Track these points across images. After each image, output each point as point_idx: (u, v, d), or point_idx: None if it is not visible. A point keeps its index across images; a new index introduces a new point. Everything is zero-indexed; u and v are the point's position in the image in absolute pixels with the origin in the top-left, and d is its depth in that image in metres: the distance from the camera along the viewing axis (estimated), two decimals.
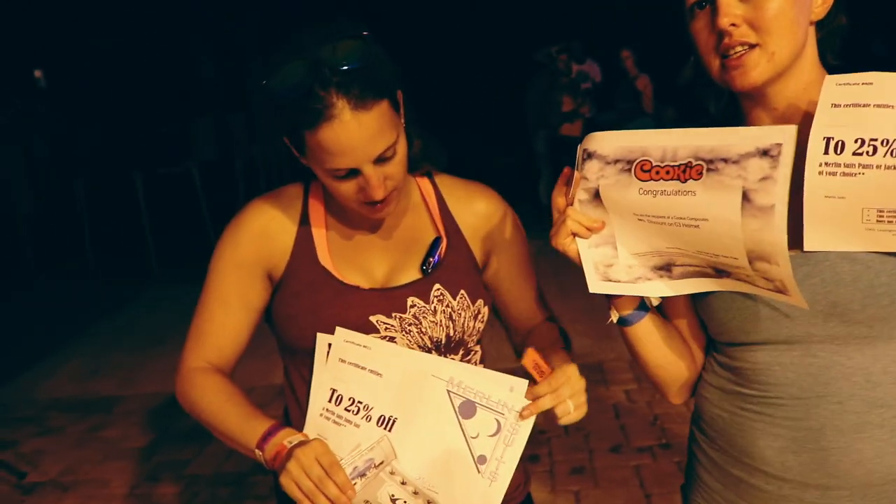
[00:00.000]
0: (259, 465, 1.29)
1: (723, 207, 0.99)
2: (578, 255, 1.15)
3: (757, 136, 0.97)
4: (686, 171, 1.02)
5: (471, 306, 1.34)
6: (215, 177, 8.53)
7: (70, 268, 8.05)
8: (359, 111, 1.13)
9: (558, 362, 1.22)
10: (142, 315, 6.58)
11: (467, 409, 1.19)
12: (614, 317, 1.22)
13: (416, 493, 1.21)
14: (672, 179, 1.03)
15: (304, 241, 1.33)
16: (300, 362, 1.35)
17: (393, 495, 1.21)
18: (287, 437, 1.22)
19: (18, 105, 11.66)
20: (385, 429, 1.21)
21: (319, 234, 1.33)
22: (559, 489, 3.31)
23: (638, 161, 1.06)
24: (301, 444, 1.18)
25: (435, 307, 1.31)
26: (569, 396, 1.17)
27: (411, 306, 1.31)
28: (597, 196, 1.11)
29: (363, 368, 1.23)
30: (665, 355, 1.25)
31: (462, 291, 1.33)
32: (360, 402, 1.23)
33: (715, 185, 0.99)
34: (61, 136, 10.62)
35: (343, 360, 1.24)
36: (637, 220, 1.09)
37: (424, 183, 1.40)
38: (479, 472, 1.19)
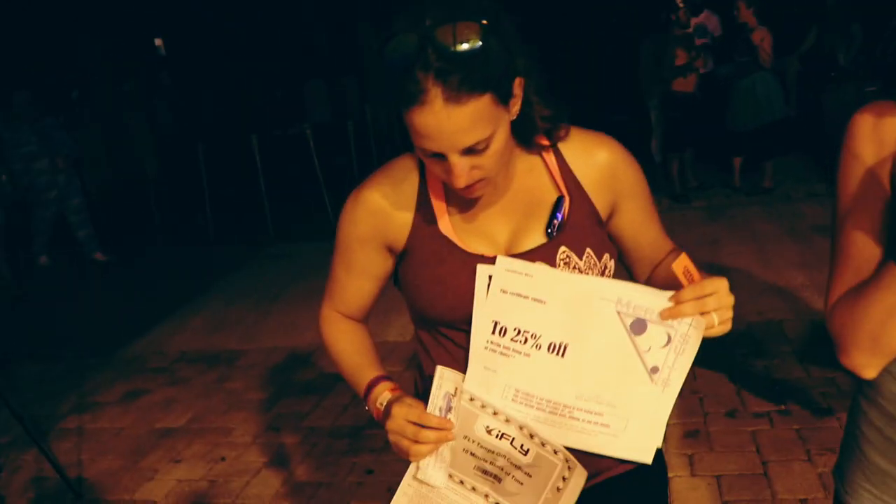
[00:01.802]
0: (374, 419, 1.38)
1: None
2: None
3: None
4: None
5: (597, 263, 1.31)
6: (328, 138, 8.71)
7: (192, 228, 8.44)
8: (451, 103, 1.10)
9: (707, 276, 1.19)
10: (259, 273, 6.87)
11: (638, 327, 1.19)
12: None
13: (507, 420, 1.23)
14: None
15: (424, 212, 1.33)
16: (431, 327, 1.38)
17: (488, 426, 1.24)
18: (379, 400, 1.32)
19: (142, 73, 12.22)
20: (557, 355, 1.22)
21: (439, 204, 1.33)
22: (672, 452, 3.26)
23: None
24: (389, 407, 1.27)
25: (562, 270, 1.30)
26: (714, 308, 1.15)
27: None
28: None
29: (526, 297, 1.21)
30: None
31: (588, 250, 1.31)
32: (526, 331, 1.22)
33: None
34: (183, 103, 11.08)
35: (504, 291, 1.22)
36: None
37: (541, 139, 1.35)
38: (651, 381, 1.21)
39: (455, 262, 1.30)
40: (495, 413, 1.24)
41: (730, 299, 1.16)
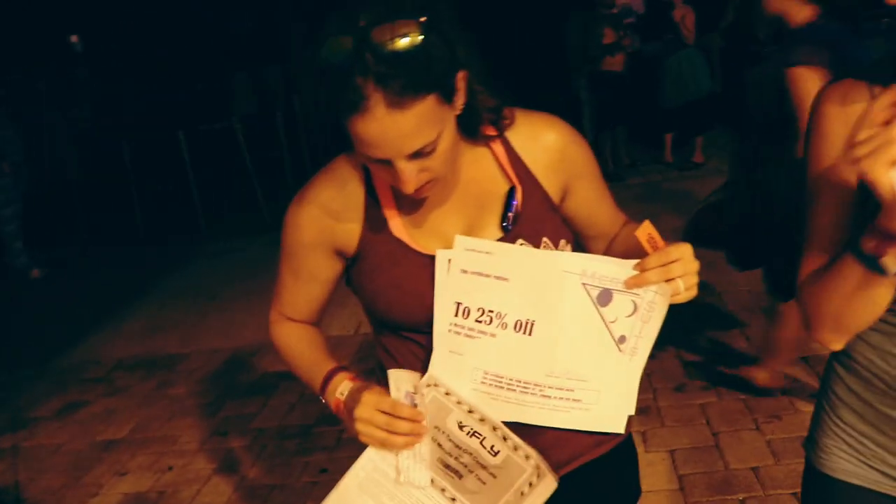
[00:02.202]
0: (324, 416, 1.34)
1: None
2: (891, 188, 0.88)
3: None
4: None
5: (554, 250, 1.29)
6: (257, 131, 8.52)
7: (121, 229, 8.17)
8: (394, 109, 1.04)
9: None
10: (193, 272, 6.69)
11: (604, 298, 1.18)
12: (894, 266, 0.98)
13: (482, 420, 1.20)
14: None
15: (373, 215, 1.28)
16: (391, 331, 1.34)
17: (460, 422, 1.21)
18: (339, 390, 1.27)
19: (57, 71, 11.72)
20: (525, 333, 1.19)
21: (388, 203, 1.28)
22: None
23: None
24: (353, 395, 1.22)
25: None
26: (680, 274, 1.13)
27: None
28: None
29: (488, 276, 1.19)
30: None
31: (545, 239, 1.28)
32: (490, 310, 1.19)
33: None
34: (103, 100, 10.70)
35: (465, 271, 1.19)
36: None
37: (487, 129, 1.30)
38: (620, 350, 1.20)
39: (410, 265, 1.25)
40: (470, 411, 1.21)
41: (695, 265, 1.14)
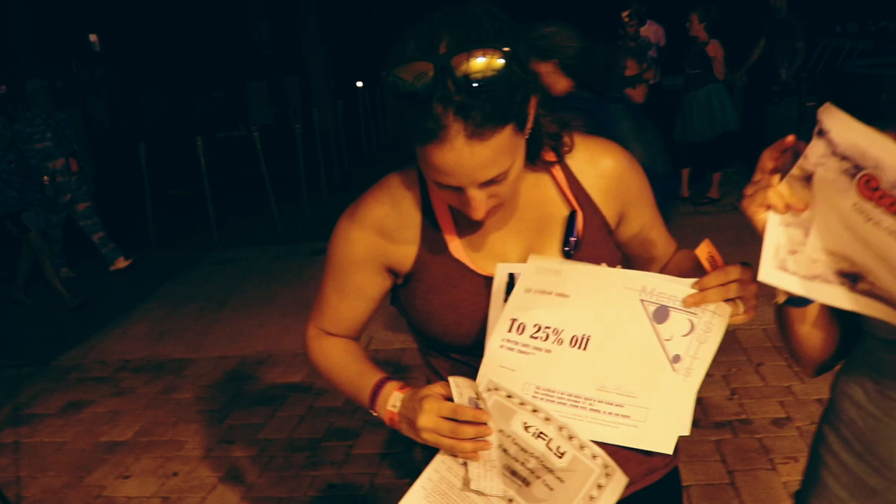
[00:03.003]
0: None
1: None
2: (763, 228, 1.03)
3: None
4: None
5: (618, 268, 1.27)
6: (272, 141, 8.53)
7: (133, 232, 8.15)
8: (474, 140, 1.02)
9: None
10: (203, 279, 6.66)
11: (661, 315, 1.17)
12: (782, 298, 1.11)
13: (547, 419, 1.19)
14: (893, 216, 0.86)
15: (430, 233, 1.25)
16: (442, 352, 1.32)
17: (525, 422, 1.19)
18: (390, 402, 1.23)
19: (76, 70, 11.76)
20: (580, 348, 1.18)
21: (446, 223, 1.25)
22: None
23: (865, 172, 0.88)
24: (409, 404, 1.18)
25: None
26: (738, 295, 1.12)
27: None
28: (809, 179, 0.96)
29: (550, 293, 1.19)
30: (819, 332, 1.17)
31: (603, 265, 1.25)
32: (547, 327, 1.19)
33: None
34: (121, 102, 10.71)
35: (529, 290, 1.19)
36: (841, 225, 0.95)
37: (548, 154, 1.29)
38: (673, 370, 1.18)
39: (470, 287, 1.23)
40: (535, 410, 1.19)
41: (754, 287, 1.13)
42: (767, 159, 1.01)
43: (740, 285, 1.12)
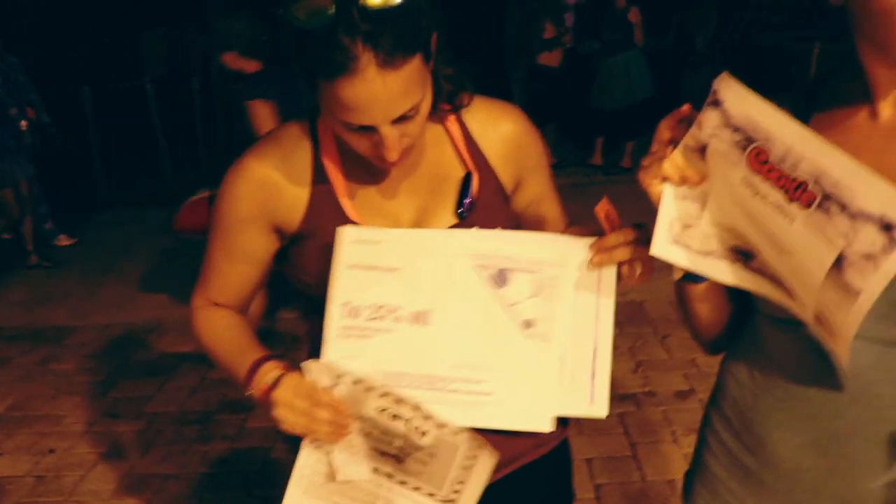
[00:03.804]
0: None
1: (811, 257, 0.83)
2: (658, 200, 1.01)
3: (889, 200, 0.76)
4: (797, 192, 0.83)
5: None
6: (168, 95, 8.06)
7: None
8: (386, 69, 0.99)
9: None
10: (88, 241, 6.26)
11: (500, 279, 1.12)
12: (678, 274, 1.08)
13: (399, 401, 1.12)
14: (779, 190, 0.85)
15: (321, 190, 1.20)
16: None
17: (379, 406, 1.13)
18: (265, 377, 1.16)
19: None
20: (422, 325, 1.12)
21: (337, 180, 1.20)
22: None
23: (756, 145, 0.87)
24: (275, 384, 1.13)
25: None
26: (632, 256, 1.10)
27: None
28: (703, 150, 0.94)
29: (377, 268, 1.12)
30: (715, 310, 1.14)
31: (498, 229, 1.21)
32: (382, 305, 1.12)
33: (816, 227, 0.82)
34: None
35: (353, 266, 1.12)
36: (732, 200, 0.93)
37: (443, 106, 1.25)
38: (527, 336, 1.13)
39: None
40: (385, 394, 1.11)
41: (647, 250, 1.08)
42: (664, 129, 0.99)
43: (636, 247, 1.09)
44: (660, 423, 3.29)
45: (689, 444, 3.08)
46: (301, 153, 1.21)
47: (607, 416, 1.17)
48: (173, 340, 4.33)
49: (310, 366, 1.12)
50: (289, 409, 1.10)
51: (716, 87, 0.91)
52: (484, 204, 1.23)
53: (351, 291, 1.13)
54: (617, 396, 3.51)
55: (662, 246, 1.01)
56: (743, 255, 0.97)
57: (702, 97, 0.97)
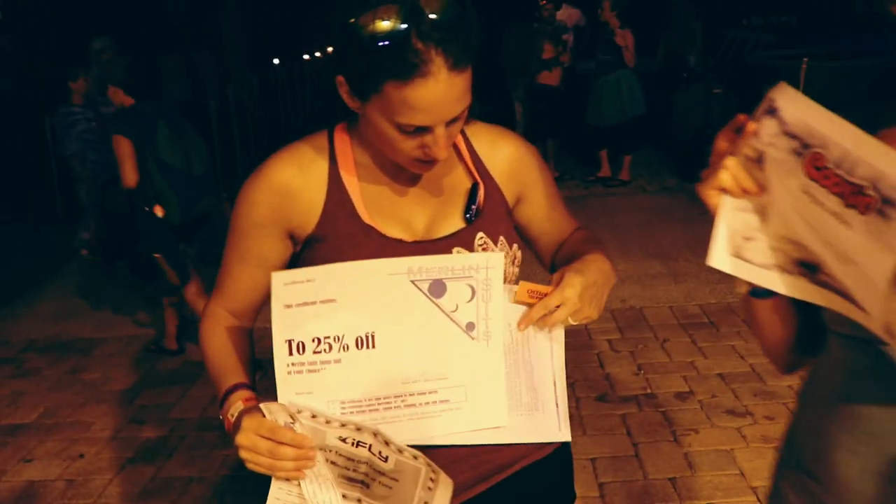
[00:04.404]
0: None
1: (873, 264, 0.80)
2: (715, 209, 0.99)
3: None
4: (854, 196, 0.80)
5: (509, 251, 1.32)
6: (186, 117, 8.27)
7: (38, 207, 7.82)
8: (454, 72, 1.11)
9: (585, 260, 1.25)
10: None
11: (437, 289, 1.17)
12: (742, 288, 1.07)
13: (359, 429, 1.15)
14: (836, 195, 0.82)
15: (337, 196, 1.27)
16: None
17: (340, 436, 1.15)
18: (230, 409, 1.21)
19: None
20: (369, 348, 1.15)
21: (353, 187, 1.27)
22: None
23: (813, 151, 0.84)
24: (238, 420, 1.16)
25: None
26: (564, 315, 1.18)
27: None
28: (761, 160, 0.92)
29: (313, 303, 1.13)
30: (784, 326, 1.14)
31: (501, 237, 1.32)
32: (326, 337, 1.14)
33: (875, 232, 0.79)
34: (27, 72, 10.22)
35: (289, 306, 1.13)
36: (793, 210, 0.91)
37: None
38: (472, 338, 1.19)
39: (373, 247, 1.24)
40: (343, 424, 1.15)
41: (574, 296, 1.17)
42: (721, 140, 0.98)
43: (565, 308, 1.17)
44: (661, 423, 3.41)
45: (688, 443, 3.23)
46: (318, 161, 1.28)
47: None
48: (194, 350, 4.50)
49: (269, 406, 1.13)
50: (251, 452, 1.11)
51: (772, 95, 0.89)
52: (490, 212, 1.32)
53: (291, 329, 1.13)
54: (619, 398, 3.64)
55: (721, 257, 0.99)
56: (808, 267, 0.95)
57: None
